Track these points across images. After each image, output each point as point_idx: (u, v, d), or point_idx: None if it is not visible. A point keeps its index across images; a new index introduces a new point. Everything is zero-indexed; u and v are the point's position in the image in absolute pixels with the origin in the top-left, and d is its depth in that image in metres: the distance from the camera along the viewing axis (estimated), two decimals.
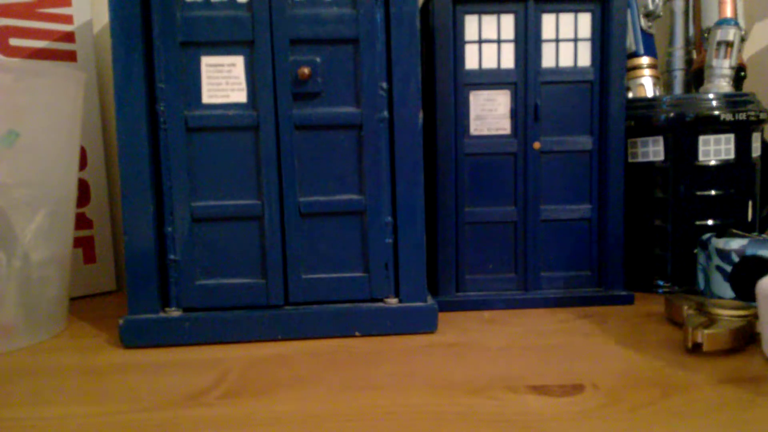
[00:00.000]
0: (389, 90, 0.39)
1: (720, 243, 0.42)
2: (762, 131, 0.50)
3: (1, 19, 0.50)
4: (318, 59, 0.39)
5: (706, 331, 0.34)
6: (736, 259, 0.41)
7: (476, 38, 0.45)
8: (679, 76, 0.57)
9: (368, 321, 0.40)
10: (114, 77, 0.38)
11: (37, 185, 0.40)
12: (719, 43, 0.51)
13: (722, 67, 0.51)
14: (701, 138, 0.48)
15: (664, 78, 0.58)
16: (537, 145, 0.46)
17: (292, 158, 0.40)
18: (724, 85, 0.51)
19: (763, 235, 0.44)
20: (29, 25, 0.51)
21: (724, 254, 0.42)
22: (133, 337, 0.39)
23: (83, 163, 0.54)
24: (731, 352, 0.35)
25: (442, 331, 0.41)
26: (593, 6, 0.45)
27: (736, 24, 0.51)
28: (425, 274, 0.41)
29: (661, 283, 0.50)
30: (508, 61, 0.46)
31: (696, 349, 0.35)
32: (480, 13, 0.45)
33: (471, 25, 0.45)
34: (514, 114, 0.46)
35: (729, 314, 0.37)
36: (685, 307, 0.39)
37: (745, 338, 0.35)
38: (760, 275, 0.39)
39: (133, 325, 0.39)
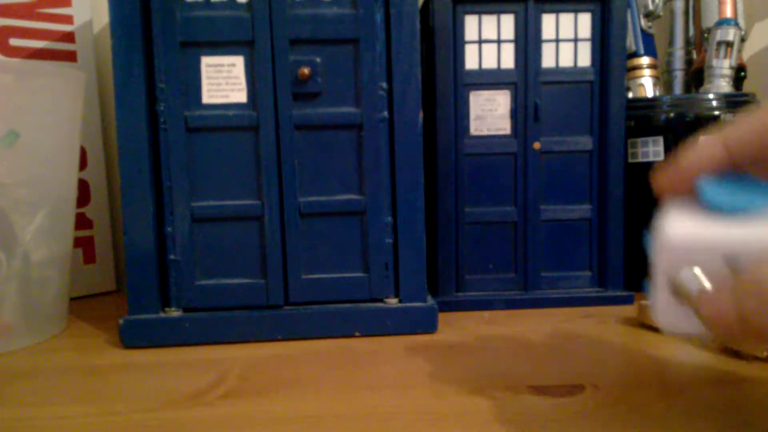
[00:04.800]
0: (389, 90, 0.39)
1: None
2: None
3: (1, 19, 0.50)
4: (318, 59, 0.39)
5: None
6: None
7: (476, 38, 0.45)
8: (679, 76, 0.56)
9: (368, 321, 0.40)
10: (114, 77, 0.38)
11: (37, 185, 0.40)
12: (719, 43, 0.50)
13: (722, 67, 0.51)
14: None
15: (664, 78, 0.58)
16: (537, 145, 0.46)
17: (292, 158, 0.40)
18: (724, 85, 0.51)
19: None
20: (29, 25, 0.51)
21: None
22: (133, 337, 0.39)
23: (83, 163, 0.54)
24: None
25: (442, 331, 0.41)
26: (593, 6, 0.45)
27: (736, 24, 0.51)
28: (425, 274, 0.41)
29: None
30: (508, 61, 0.46)
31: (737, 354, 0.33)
32: (480, 13, 0.45)
33: (471, 25, 0.45)
34: (514, 114, 0.46)
35: None
36: None
37: None
38: None
39: (133, 325, 0.39)
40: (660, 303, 0.24)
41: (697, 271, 0.22)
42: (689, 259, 0.22)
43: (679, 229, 0.23)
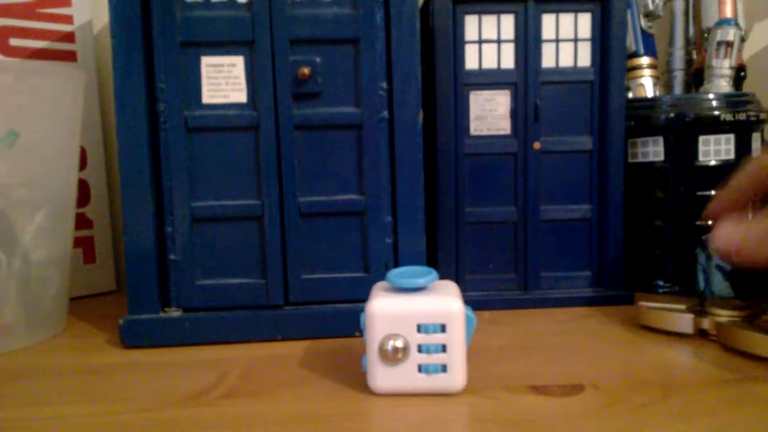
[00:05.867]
0: (389, 90, 0.39)
1: None
2: (762, 131, 0.50)
3: (1, 19, 0.50)
4: (318, 59, 0.39)
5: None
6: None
7: (476, 38, 0.45)
8: (679, 76, 0.56)
9: None
10: (114, 77, 0.38)
11: (37, 185, 0.40)
12: (719, 43, 0.50)
13: (722, 67, 0.51)
14: (701, 138, 0.48)
15: (664, 78, 0.58)
16: (537, 145, 0.46)
17: (292, 158, 0.40)
18: (724, 85, 0.51)
19: None
20: (29, 25, 0.51)
21: None
22: (133, 337, 0.39)
23: (83, 163, 0.54)
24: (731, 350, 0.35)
25: None
26: (593, 6, 0.45)
27: (736, 24, 0.51)
28: None
29: (661, 283, 0.50)
30: (508, 61, 0.46)
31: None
32: (480, 13, 0.45)
33: (471, 25, 0.45)
34: (514, 114, 0.46)
35: (729, 314, 0.37)
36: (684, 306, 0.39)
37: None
38: (760, 274, 0.39)
39: (133, 325, 0.39)
40: (372, 368, 0.30)
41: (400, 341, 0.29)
42: (390, 325, 0.30)
43: (381, 305, 0.30)
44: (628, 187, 0.47)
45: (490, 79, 0.46)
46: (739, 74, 0.53)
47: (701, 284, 0.44)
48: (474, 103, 0.46)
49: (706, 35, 0.52)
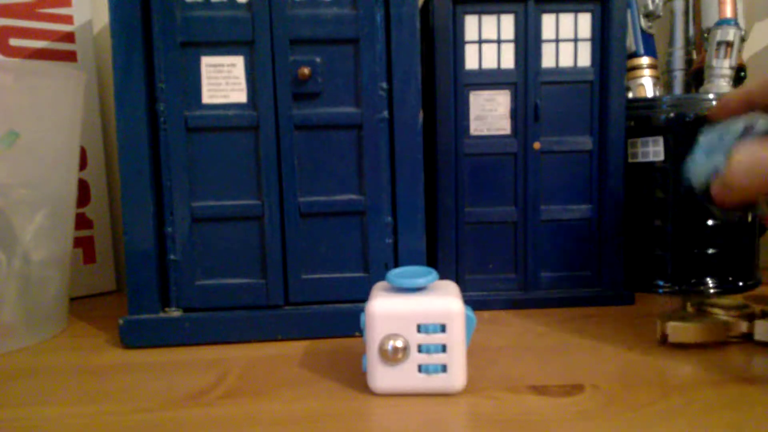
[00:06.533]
0: (389, 90, 0.39)
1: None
2: None
3: (1, 19, 0.50)
4: (318, 59, 0.39)
5: (670, 324, 0.35)
6: None
7: (476, 38, 0.45)
8: (679, 76, 0.56)
9: None
10: (114, 77, 0.38)
11: (37, 185, 0.40)
12: (719, 43, 0.50)
13: (722, 67, 0.51)
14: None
15: (664, 78, 0.58)
16: (537, 145, 0.46)
17: (292, 158, 0.40)
18: (724, 85, 0.51)
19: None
20: (29, 25, 0.51)
21: None
22: (133, 337, 0.39)
23: (83, 163, 0.54)
24: (714, 347, 0.35)
25: None
26: (593, 6, 0.45)
27: (736, 24, 0.51)
28: None
29: (661, 283, 0.50)
30: (508, 61, 0.46)
31: (664, 341, 0.36)
32: (480, 13, 0.45)
33: (471, 25, 0.45)
34: (514, 114, 0.46)
35: (724, 312, 0.37)
36: (668, 303, 0.39)
37: (724, 334, 0.36)
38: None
39: (133, 325, 0.39)
40: (372, 368, 0.30)
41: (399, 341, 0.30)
42: (390, 325, 0.30)
43: (381, 305, 0.30)
44: (628, 187, 0.47)
45: (490, 79, 0.46)
46: (739, 74, 0.53)
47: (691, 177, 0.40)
48: (474, 103, 0.46)
49: (706, 35, 0.52)
